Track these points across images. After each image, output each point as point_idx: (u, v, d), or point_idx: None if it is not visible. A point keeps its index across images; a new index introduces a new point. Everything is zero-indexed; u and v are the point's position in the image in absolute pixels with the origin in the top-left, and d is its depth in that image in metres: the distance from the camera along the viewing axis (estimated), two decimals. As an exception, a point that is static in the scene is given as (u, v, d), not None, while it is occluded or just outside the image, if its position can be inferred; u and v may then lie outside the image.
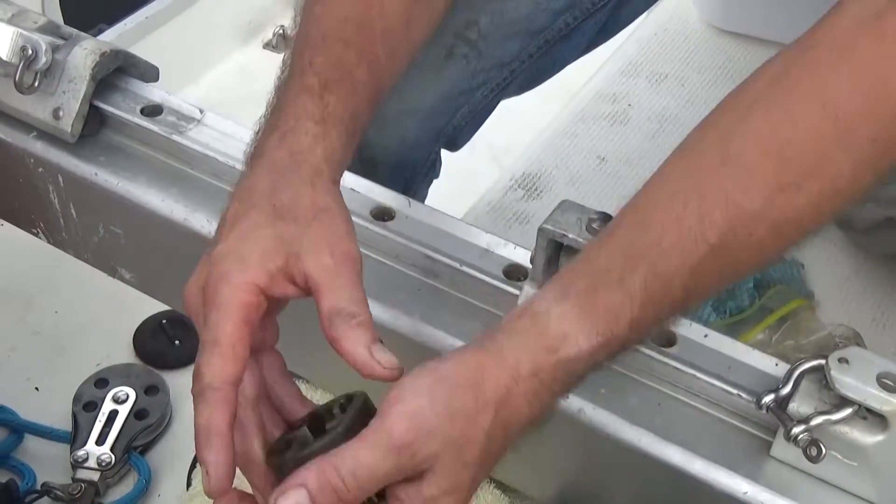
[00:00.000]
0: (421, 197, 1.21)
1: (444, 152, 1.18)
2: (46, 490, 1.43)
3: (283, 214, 0.68)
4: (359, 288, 0.67)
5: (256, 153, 0.73)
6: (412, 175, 1.13)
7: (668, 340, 0.79)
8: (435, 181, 1.20)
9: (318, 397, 0.96)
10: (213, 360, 0.64)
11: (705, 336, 0.80)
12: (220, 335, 0.64)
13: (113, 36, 1.91)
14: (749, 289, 1.14)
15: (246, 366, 0.65)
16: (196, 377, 0.64)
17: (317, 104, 0.73)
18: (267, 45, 2.29)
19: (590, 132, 1.46)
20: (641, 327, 0.65)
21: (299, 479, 0.59)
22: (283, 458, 0.64)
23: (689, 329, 0.80)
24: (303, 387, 0.95)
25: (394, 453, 0.59)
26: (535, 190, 1.33)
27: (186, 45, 2.09)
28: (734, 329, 1.11)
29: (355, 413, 0.64)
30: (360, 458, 0.59)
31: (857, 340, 1.06)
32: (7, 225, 1.79)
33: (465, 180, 1.58)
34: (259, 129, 0.76)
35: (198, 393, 0.64)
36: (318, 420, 0.68)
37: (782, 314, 1.07)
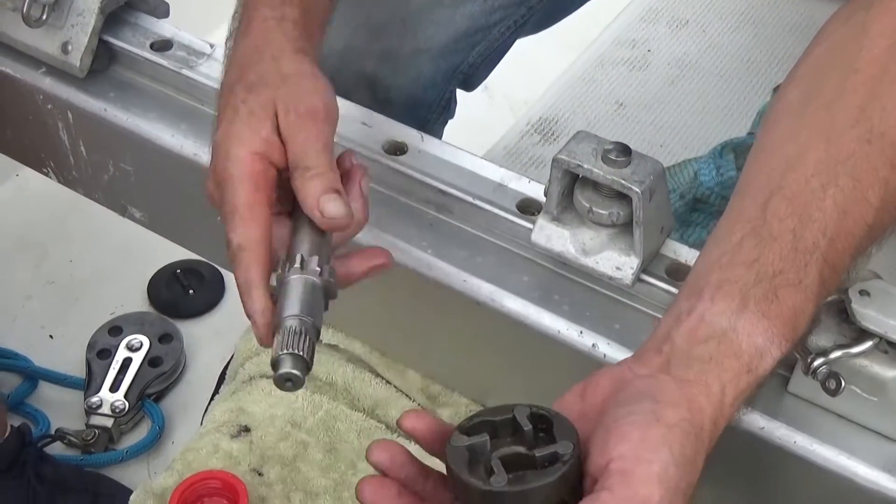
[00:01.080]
0: (436, 137, 1.19)
1: (460, 94, 1.16)
2: (60, 436, 1.44)
3: (254, 87, 0.72)
4: (319, 140, 0.70)
5: (228, 58, 0.78)
6: (426, 114, 1.11)
7: (684, 275, 0.77)
8: (452, 128, 1.18)
9: (329, 337, 0.95)
10: (235, 226, 0.67)
11: (723, 270, 0.78)
12: (236, 204, 0.68)
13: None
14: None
15: (269, 225, 0.68)
16: (227, 246, 0.68)
17: None
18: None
19: (608, 78, 1.44)
20: (817, 317, 0.64)
21: None
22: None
23: (706, 263, 0.78)
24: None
25: None
26: (552, 134, 1.31)
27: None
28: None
29: (575, 458, 0.56)
30: None
31: (878, 284, 1.03)
32: (21, 175, 1.81)
33: (483, 128, 1.56)
34: (228, 36, 0.80)
35: (231, 258, 0.68)
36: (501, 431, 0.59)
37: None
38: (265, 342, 0.65)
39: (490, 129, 1.53)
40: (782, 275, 0.61)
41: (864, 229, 0.63)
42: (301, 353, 0.62)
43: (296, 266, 0.66)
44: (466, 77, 1.12)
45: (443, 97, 1.11)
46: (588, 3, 1.20)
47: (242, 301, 0.67)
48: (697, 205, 1.18)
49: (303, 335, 0.63)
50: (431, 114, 1.11)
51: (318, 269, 0.66)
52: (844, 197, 0.62)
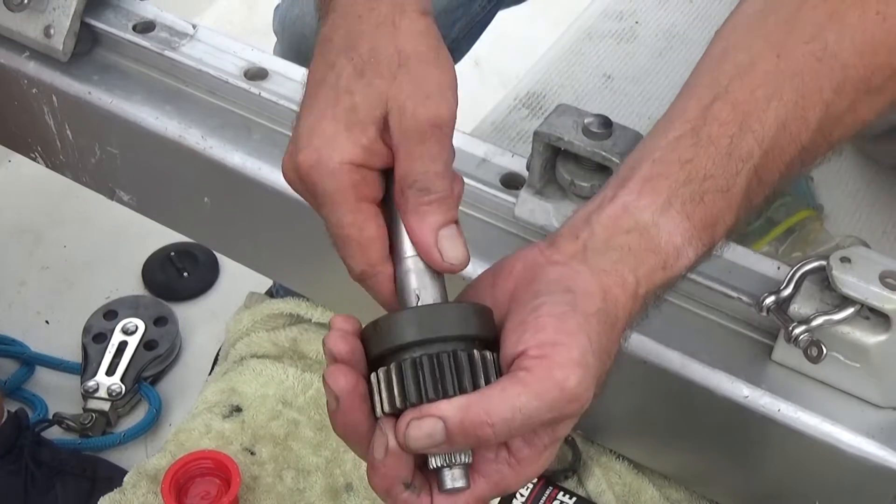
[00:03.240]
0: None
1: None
2: (58, 420, 1.45)
3: (364, 71, 0.60)
4: (441, 157, 0.59)
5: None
6: (411, 91, 1.10)
7: (668, 246, 0.78)
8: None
9: (318, 315, 0.95)
10: (353, 255, 0.60)
11: (706, 241, 0.78)
12: (346, 230, 0.59)
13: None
14: (756, 201, 1.12)
15: (384, 235, 0.60)
16: (348, 269, 0.61)
17: None
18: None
19: (596, 50, 1.43)
20: (732, 232, 0.63)
21: (437, 411, 0.53)
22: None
23: (689, 234, 0.78)
24: (303, 304, 0.95)
25: (562, 403, 0.54)
26: (540, 109, 1.31)
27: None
28: (741, 242, 1.09)
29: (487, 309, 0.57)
30: (521, 406, 0.53)
31: (865, 251, 1.04)
32: (14, 162, 1.81)
33: (473, 103, 1.55)
34: None
35: (358, 279, 0.61)
36: None
37: (789, 225, 1.05)
38: None
39: (481, 104, 1.53)
40: (712, 179, 0.60)
41: (798, 149, 0.61)
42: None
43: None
44: (449, 52, 1.11)
45: (427, 73, 1.11)
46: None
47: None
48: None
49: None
50: (417, 90, 1.11)
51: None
52: (786, 112, 0.61)
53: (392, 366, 0.55)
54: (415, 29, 0.61)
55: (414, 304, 0.58)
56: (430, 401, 0.53)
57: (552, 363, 0.54)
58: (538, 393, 0.53)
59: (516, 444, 0.56)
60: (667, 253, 0.59)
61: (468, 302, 0.58)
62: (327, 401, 0.56)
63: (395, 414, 0.55)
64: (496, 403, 0.53)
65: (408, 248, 0.59)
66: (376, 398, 0.55)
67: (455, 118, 0.60)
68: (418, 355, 0.54)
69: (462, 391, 0.54)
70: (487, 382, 0.54)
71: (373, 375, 0.55)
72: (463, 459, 0.55)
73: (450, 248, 0.59)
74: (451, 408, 0.53)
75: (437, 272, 0.60)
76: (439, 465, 0.55)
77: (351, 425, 0.56)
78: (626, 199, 0.60)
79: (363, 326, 0.58)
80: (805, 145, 0.62)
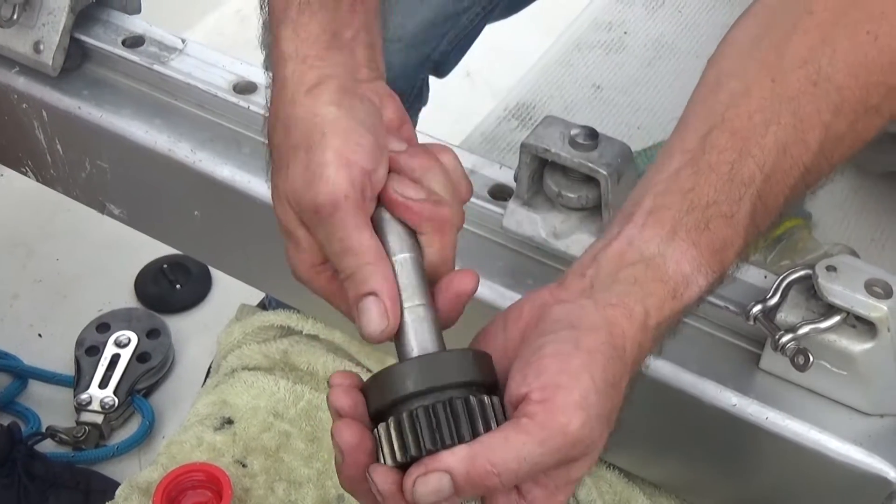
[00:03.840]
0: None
1: (442, 81, 1.16)
2: (51, 433, 1.44)
3: (277, 168, 0.64)
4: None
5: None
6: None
7: (656, 255, 0.78)
8: (433, 115, 1.18)
9: (309, 327, 0.96)
10: (370, 278, 0.59)
11: (693, 250, 0.78)
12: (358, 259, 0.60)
13: (107, -21, 1.89)
14: (745, 210, 1.12)
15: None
16: (356, 285, 0.60)
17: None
18: (265, -12, 2.27)
19: (585, 61, 1.44)
20: (743, 256, 0.63)
21: (442, 465, 0.53)
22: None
23: (676, 244, 0.79)
24: (294, 316, 0.96)
25: (566, 448, 0.54)
26: (530, 119, 1.31)
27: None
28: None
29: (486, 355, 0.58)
30: (526, 455, 0.53)
31: (853, 258, 1.04)
32: (6, 175, 1.80)
33: (464, 114, 1.56)
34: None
35: (359, 298, 0.60)
36: None
37: (777, 234, 1.06)
38: None
39: (472, 115, 1.54)
40: (716, 206, 0.60)
41: (801, 171, 0.62)
42: None
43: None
44: (437, 65, 1.12)
45: (415, 86, 1.11)
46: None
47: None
48: (672, 185, 1.18)
49: None
50: (404, 103, 1.10)
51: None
52: (786, 135, 0.61)
53: (391, 420, 0.55)
54: (306, 107, 0.62)
55: (411, 355, 0.59)
56: (429, 452, 0.54)
57: (554, 408, 0.54)
58: (542, 440, 0.53)
59: (526, 486, 0.56)
60: (676, 282, 0.59)
61: (464, 349, 0.58)
62: (335, 455, 0.57)
63: (403, 467, 0.55)
64: (500, 453, 0.53)
65: (404, 298, 0.60)
66: (380, 453, 0.56)
67: (346, 189, 0.59)
68: (415, 407, 0.55)
69: (461, 439, 0.54)
70: (488, 428, 0.55)
71: (375, 431, 0.56)
72: None
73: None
74: (455, 460, 0.53)
75: (434, 320, 0.60)
76: None
77: (357, 479, 0.57)
78: (631, 234, 0.60)
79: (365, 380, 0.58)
80: (807, 167, 0.62)
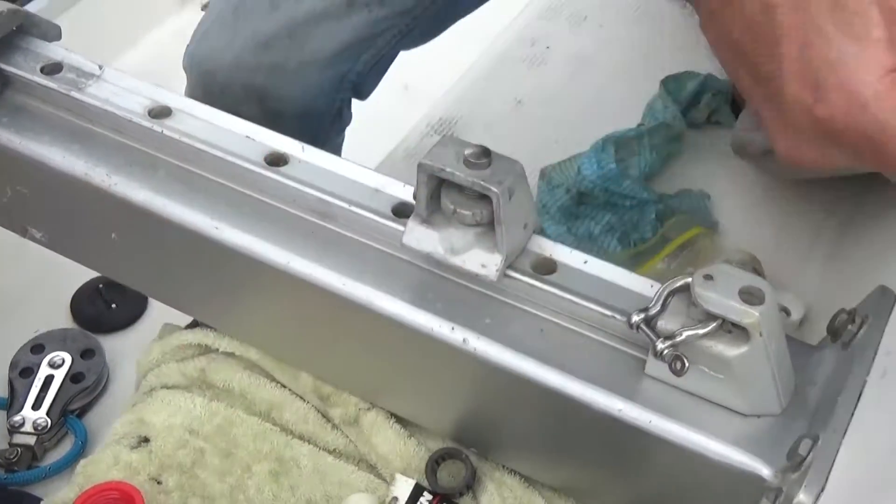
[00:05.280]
0: (334, 145, 1.22)
1: (381, 95, 1.19)
2: (-17, 456, 1.45)
3: None
4: None
5: None
6: (319, 124, 1.14)
7: (549, 269, 0.82)
8: (370, 129, 1.21)
9: (225, 345, 0.98)
10: None
11: (585, 262, 0.82)
12: None
13: (46, 1, 1.90)
14: (652, 220, 1.17)
15: None
16: None
17: None
18: (205, 7, 2.29)
19: (508, 76, 1.47)
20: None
21: None
22: None
23: (569, 256, 0.82)
24: (211, 335, 0.98)
25: None
26: (451, 134, 1.35)
27: (123, 9, 2.09)
28: (637, 260, 1.14)
29: None
30: None
31: (754, 265, 1.08)
32: (-59, 197, 1.80)
33: (400, 129, 1.59)
34: None
35: None
36: None
37: (680, 242, 1.09)
38: None
39: (396, 126, 1.56)
40: None
41: None
42: None
43: None
44: (356, 85, 1.15)
45: (334, 106, 1.14)
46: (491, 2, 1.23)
47: None
48: (583, 198, 1.22)
49: None
50: (324, 123, 1.14)
51: None
52: None
53: None
54: None
55: None
56: None
57: None
58: None
59: None
60: None
61: None
62: None
63: None
64: None
65: None
66: None
67: None
68: None
69: None
70: None
71: None
72: None
73: None
74: None
75: None
76: None
77: None
78: None
79: None
80: None
